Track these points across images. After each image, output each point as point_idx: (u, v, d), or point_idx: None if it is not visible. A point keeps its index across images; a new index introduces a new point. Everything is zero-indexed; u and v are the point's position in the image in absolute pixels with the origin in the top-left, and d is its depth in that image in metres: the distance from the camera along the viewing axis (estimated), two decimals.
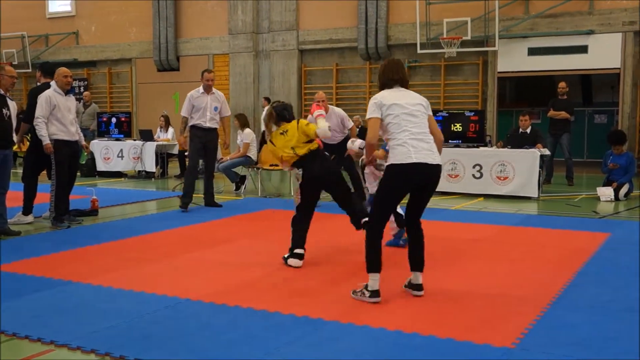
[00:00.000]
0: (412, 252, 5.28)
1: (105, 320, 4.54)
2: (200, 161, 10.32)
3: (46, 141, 8.10)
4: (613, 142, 11.13)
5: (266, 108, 17.06)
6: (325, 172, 6.28)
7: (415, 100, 5.19)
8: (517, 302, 5.00)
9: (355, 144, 6.47)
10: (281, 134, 6.30)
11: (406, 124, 5.03)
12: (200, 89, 9.86)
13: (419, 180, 5.07)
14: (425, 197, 5.23)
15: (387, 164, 5.12)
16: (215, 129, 10.00)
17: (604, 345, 4.07)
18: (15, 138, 8.31)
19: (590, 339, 4.17)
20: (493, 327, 4.41)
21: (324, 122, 6.37)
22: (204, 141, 9.85)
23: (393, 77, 5.24)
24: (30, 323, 4.48)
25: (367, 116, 5.15)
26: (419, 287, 5.22)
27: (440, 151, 5.19)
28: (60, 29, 22.37)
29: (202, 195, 10.11)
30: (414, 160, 4.93)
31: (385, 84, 5.27)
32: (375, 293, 4.96)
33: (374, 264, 5.03)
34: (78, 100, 13.94)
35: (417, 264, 5.23)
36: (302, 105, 18.66)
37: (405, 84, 5.28)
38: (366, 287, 5.01)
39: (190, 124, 9.85)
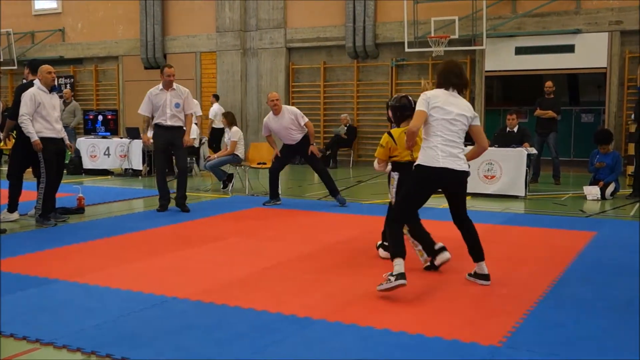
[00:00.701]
0: (468, 245, 5.55)
1: (91, 318, 4.51)
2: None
3: (34, 138, 8.03)
4: (599, 141, 11.19)
5: (215, 105, 17.12)
6: None
7: (462, 110, 5.29)
8: (504, 300, 5.02)
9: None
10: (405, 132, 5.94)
11: (442, 130, 5.20)
12: (160, 85, 9.43)
13: (444, 184, 5.34)
14: (457, 200, 5.48)
15: (416, 163, 5.32)
16: (180, 127, 9.47)
17: (590, 344, 4.09)
18: (0, 135, 8.24)
19: (576, 338, 4.19)
20: (480, 325, 4.42)
21: None
22: (168, 139, 9.43)
23: (453, 81, 5.33)
24: (16, 321, 4.44)
25: (417, 108, 5.26)
26: (485, 277, 5.45)
27: (477, 155, 5.57)
28: (46, 26, 22.24)
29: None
30: (441, 165, 5.16)
31: (443, 83, 5.36)
32: (401, 275, 5.01)
33: (398, 250, 5.16)
34: (59, 97, 13.83)
35: (476, 254, 5.49)
36: (289, 103, 18.65)
37: (461, 91, 5.39)
38: (390, 274, 5.06)
39: (153, 122, 9.50)
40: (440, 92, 5.31)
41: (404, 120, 6.03)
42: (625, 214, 9.32)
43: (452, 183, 5.33)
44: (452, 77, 5.33)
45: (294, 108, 10.28)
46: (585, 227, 8.17)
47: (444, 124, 5.20)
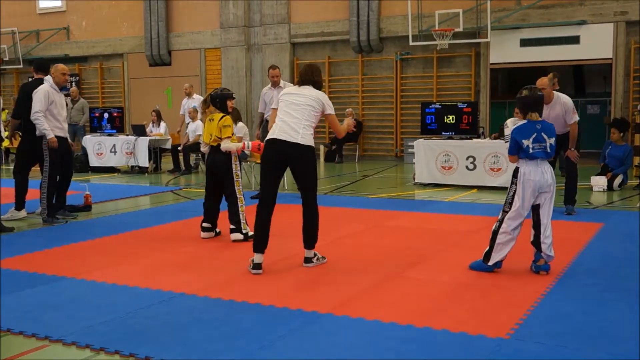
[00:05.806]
0: (303, 230, 5.92)
1: (99, 315, 4.53)
2: None
3: (50, 135, 8.06)
4: (615, 125, 11.25)
5: None
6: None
7: (306, 100, 5.76)
8: (511, 292, 5.02)
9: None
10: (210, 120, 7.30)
11: (282, 111, 5.76)
12: (270, 84, 10.14)
13: (278, 155, 5.68)
14: (297, 175, 5.81)
15: None
16: None
17: (597, 335, 4.09)
18: (3, 134, 8.24)
19: (583, 329, 4.19)
20: (487, 317, 4.43)
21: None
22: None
23: (300, 79, 6.00)
24: (25, 319, 4.47)
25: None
26: (307, 260, 5.91)
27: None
28: (51, 24, 22.26)
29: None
30: (273, 136, 5.68)
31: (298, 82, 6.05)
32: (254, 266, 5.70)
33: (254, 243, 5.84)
34: (66, 96, 13.86)
35: (305, 242, 5.91)
36: None
37: (306, 84, 5.90)
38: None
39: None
40: (291, 87, 6.24)
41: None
42: (632, 205, 9.30)
43: (286, 155, 5.65)
44: (300, 76, 5.99)
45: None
46: (592, 219, 8.16)
47: (286, 108, 5.75)
